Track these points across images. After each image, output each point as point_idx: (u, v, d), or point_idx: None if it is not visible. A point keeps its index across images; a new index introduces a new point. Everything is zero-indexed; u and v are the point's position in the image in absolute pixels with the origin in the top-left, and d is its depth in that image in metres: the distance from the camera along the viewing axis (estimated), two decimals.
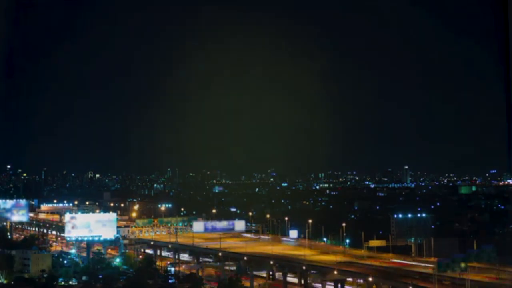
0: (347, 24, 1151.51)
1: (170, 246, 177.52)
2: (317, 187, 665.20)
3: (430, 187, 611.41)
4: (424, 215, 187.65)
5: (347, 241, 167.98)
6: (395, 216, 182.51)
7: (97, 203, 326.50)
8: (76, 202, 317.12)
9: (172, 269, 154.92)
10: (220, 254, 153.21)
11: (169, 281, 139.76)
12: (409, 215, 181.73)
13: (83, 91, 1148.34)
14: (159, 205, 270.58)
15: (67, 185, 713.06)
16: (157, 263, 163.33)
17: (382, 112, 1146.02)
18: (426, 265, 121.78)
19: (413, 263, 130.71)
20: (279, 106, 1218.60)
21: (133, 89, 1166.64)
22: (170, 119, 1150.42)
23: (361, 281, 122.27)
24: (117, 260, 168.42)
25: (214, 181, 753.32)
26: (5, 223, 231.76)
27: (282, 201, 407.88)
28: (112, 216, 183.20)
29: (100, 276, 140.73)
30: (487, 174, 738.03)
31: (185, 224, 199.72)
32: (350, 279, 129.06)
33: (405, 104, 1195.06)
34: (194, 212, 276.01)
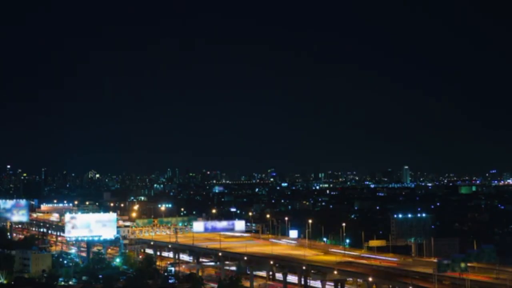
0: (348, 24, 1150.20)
1: (170, 246, 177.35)
2: (317, 187, 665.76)
3: (430, 187, 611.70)
4: (424, 215, 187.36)
5: (347, 241, 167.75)
6: (395, 216, 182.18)
7: (97, 203, 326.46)
8: (76, 202, 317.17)
9: (172, 269, 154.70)
10: (220, 254, 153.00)
11: (169, 281, 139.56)
12: (409, 215, 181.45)
13: (84, 92, 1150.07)
14: (159, 205, 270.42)
15: (67, 185, 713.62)
16: (157, 263, 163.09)
17: (382, 113, 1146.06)
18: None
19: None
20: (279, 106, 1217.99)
21: (134, 90, 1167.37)
22: (170, 119, 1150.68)
23: (361, 281, 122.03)
24: (117, 260, 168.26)
25: (214, 181, 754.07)
26: (5, 223, 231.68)
27: (282, 201, 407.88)
28: (112, 216, 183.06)
29: (100, 276, 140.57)
30: (487, 174, 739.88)
31: (185, 224, 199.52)
32: (350, 279, 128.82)
33: (405, 104, 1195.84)
34: (194, 212, 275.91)
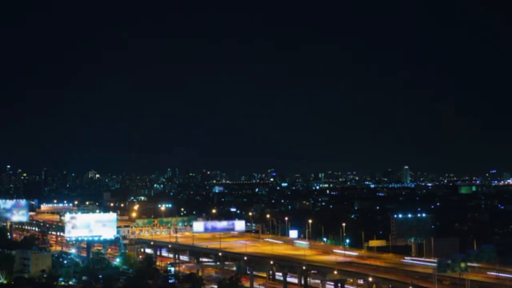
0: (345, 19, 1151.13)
1: (170, 246, 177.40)
2: (317, 187, 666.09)
3: (430, 187, 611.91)
4: (424, 215, 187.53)
5: (347, 241, 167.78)
6: (395, 216, 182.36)
7: (97, 203, 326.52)
8: (76, 202, 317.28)
9: (172, 269, 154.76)
10: (220, 254, 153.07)
11: (169, 281, 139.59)
12: (409, 215, 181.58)
13: (84, 92, 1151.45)
14: (159, 205, 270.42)
15: (67, 185, 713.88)
16: (157, 263, 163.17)
17: (382, 112, 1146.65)
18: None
19: None
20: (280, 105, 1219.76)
21: (134, 90, 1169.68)
22: (170, 119, 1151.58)
23: (361, 281, 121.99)
24: (117, 260, 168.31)
25: (214, 181, 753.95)
26: (5, 223, 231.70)
27: (282, 201, 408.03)
28: (112, 216, 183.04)
29: (100, 276, 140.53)
30: (487, 174, 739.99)
31: (185, 224, 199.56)
32: (350, 279, 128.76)
33: (405, 104, 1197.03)
34: (194, 212, 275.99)
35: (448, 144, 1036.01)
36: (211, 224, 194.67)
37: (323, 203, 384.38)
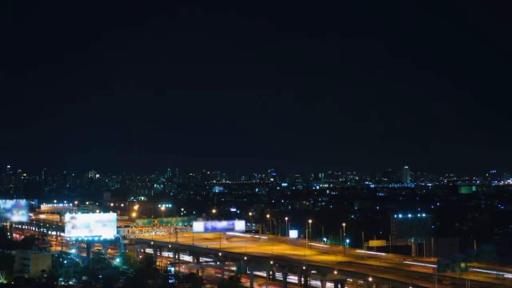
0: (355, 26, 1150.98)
1: (170, 246, 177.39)
2: (317, 187, 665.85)
3: (430, 187, 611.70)
4: (424, 215, 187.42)
5: (347, 241, 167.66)
6: (395, 216, 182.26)
7: (97, 203, 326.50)
8: (76, 202, 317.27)
9: (172, 269, 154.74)
10: (220, 254, 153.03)
11: (169, 281, 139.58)
12: (409, 215, 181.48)
13: (84, 92, 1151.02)
14: (159, 205, 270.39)
15: (67, 185, 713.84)
16: (157, 263, 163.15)
17: (382, 112, 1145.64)
18: None
19: None
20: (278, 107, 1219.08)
21: (134, 90, 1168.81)
22: (170, 119, 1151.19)
23: (361, 281, 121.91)
24: (117, 260, 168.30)
25: (214, 181, 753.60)
26: (5, 223, 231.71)
27: (282, 201, 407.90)
28: (112, 216, 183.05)
29: (100, 276, 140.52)
30: (487, 174, 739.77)
31: (185, 224, 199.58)
32: (350, 279, 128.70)
33: (406, 104, 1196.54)
34: (194, 212, 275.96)
35: (448, 144, 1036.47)
36: (211, 224, 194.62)
37: (323, 203, 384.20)
